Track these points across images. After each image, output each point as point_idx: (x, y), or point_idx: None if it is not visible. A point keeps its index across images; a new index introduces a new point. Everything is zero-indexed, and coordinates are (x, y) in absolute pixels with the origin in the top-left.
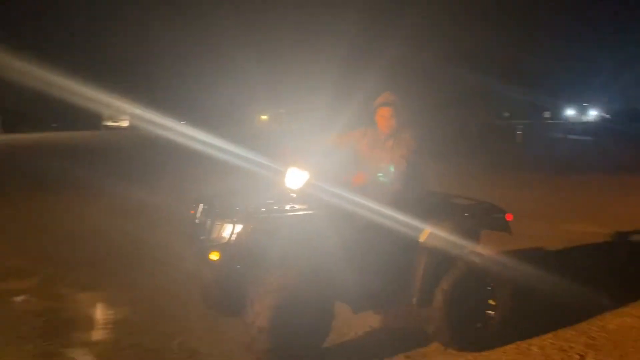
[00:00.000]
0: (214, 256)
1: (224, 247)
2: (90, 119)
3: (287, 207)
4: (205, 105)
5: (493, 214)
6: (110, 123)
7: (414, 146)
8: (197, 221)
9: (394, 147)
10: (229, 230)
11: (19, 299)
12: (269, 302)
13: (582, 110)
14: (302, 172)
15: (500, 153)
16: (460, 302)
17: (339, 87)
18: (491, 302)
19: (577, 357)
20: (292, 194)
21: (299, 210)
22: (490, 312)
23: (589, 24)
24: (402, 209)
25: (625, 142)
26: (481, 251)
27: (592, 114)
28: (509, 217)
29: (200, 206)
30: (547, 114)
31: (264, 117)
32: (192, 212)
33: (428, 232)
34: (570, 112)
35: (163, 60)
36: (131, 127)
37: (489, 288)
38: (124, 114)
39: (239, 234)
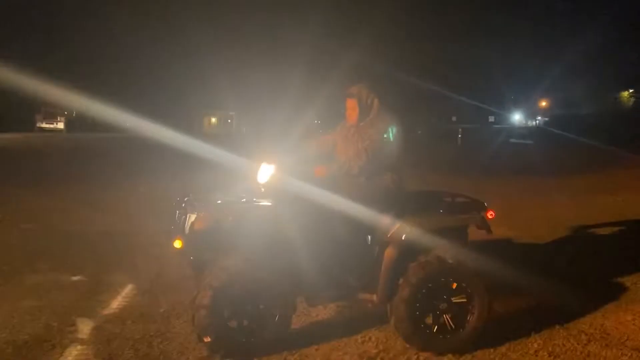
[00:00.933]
0: (177, 244)
1: (183, 235)
2: (23, 120)
3: (245, 199)
4: (148, 103)
5: (474, 211)
6: (44, 125)
7: (375, 137)
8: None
9: (357, 139)
10: (187, 220)
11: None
12: (213, 287)
13: (529, 115)
14: (270, 166)
15: (435, 155)
16: (426, 301)
17: (299, 90)
18: (460, 302)
19: None
20: (261, 188)
21: (258, 202)
22: (459, 314)
23: (536, 34)
24: (371, 203)
25: (561, 146)
26: (454, 249)
27: (538, 118)
28: (490, 215)
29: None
30: (491, 119)
31: (213, 120)
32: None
33: (397, 227)
34: (516, 116)
35: (106, 54)
36: (68, 129)
37: (460, 288)
38: (60, 114)
39: (192, 223)
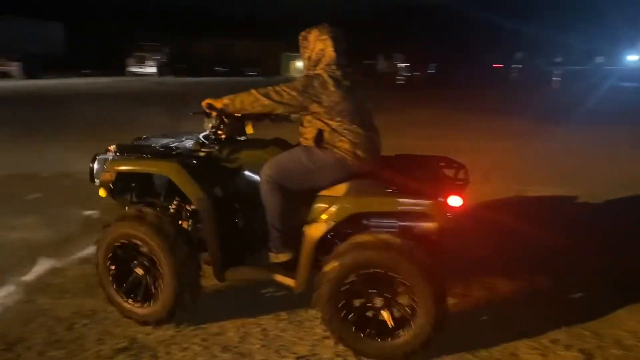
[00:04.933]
0: (101, 192)
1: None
2: (117, 65)
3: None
4: None
5: (427, 196)
6: (136, 69)
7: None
8: None
9: None
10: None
11: None
12: (103, 243)
13: None
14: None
15: (526, 99)
16: (353, 297)
17: None
18: (400, 298)
19: None
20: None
21: (173, 152)
22: (399, 313)
23: None
24: (304, 168)
25: None
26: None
27: None
28: (454, 201)
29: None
30: (599, 59)
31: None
32: None
33: (319, 201)
34: (631, 57)
35: None
36: (160, 73)
37: (396, 280)
38: (151, 59)
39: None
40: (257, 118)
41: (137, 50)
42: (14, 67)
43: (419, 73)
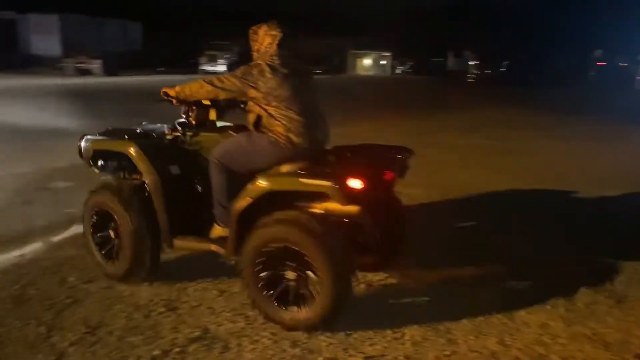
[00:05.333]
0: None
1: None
2: (191, 63)
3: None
4: None
5: (333, 178)
6: (207, 67)
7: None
8: None
9: None
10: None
11: None
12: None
13: None
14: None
15: (604, 100)
16: (271, 270)
17: None
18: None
19: None
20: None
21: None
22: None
23: None
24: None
25: None
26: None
27: None
28: (352, 184)
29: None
30: None
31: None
32: None
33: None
34: None
35: None
36: (229, 71)
37: (305, 257)
38: (222, 57)
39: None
40: (229, 106)
41: (208, 49)
42: (95, 64)
43: (490, 71)
